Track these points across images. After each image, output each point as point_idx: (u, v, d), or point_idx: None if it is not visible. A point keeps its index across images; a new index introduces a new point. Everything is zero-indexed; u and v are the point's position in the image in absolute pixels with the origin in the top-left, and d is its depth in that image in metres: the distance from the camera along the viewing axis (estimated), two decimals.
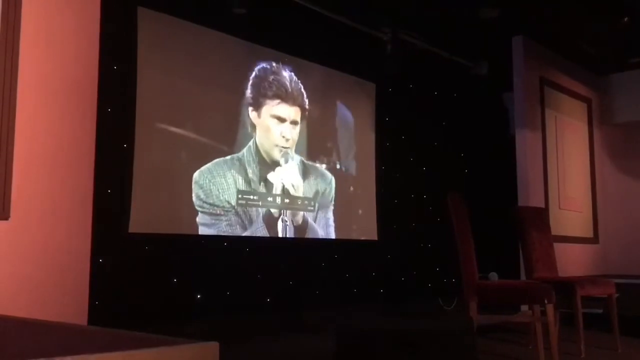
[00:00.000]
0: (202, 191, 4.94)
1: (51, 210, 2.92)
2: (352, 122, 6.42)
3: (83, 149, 3.09)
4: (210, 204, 4.99)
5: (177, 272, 4.70)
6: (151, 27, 4.73)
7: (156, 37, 4.77)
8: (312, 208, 5.84)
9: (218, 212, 5.04)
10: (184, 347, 1.38)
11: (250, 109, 5.41)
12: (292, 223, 5.64)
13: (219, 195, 5.06)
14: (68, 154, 3.03)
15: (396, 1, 5.48)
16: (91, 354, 1.26)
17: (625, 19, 5.51)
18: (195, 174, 4.92)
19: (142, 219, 4.51)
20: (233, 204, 5.15)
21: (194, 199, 4.88)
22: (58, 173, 2.97)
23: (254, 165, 5.38)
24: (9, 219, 2.73)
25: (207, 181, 4.99)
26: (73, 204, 3.02)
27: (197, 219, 4.89)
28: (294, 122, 5.74)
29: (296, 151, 5.76)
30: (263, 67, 5.58)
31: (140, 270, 4.43)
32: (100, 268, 3.95)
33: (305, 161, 5.86)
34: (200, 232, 4.91)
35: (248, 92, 5.42)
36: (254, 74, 5.50)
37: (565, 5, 5.55)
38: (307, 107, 5.92)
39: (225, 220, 5.10)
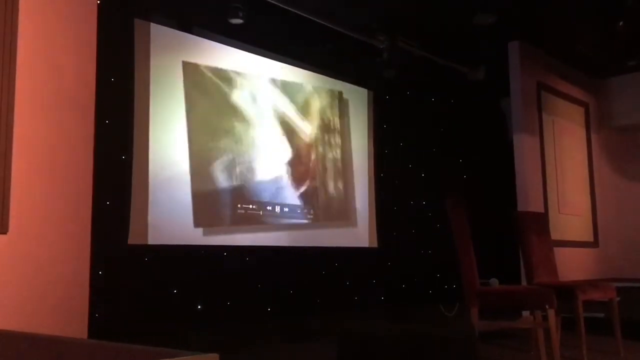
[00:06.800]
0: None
1: (50, 223, 2.92)
2: (350, 129, 6.42)
3: (81, 161, 3.09)
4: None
5: (177, 283, 4.69)
6: (148, 39, 4.74)
7: (153, 48, 4.77)
8: (310, 216, 5.84)
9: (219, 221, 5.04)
10: None
11: (248, 118, 5.42)
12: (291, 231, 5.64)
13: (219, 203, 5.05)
14: (66, 166, 3.02)
15: (393, 8, 5.49)
16: None
17: (620, 23, 5.51)
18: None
19: (141, 230, 4.51)
20: (232, 212, 5.14)
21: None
22: (56, 186, 2.97)
23: (252, 175, 5.38)
24: (8, 232, 2.73)
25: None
26: (72, 217, 3.01)
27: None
28: (291, 130, 5.74)
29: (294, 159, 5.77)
30: (260, 76, 5.59)
31: (140, 282, 4.42)
32: (100, 280, 3.94)
33: (304, 169, 5.86)
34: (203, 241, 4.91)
35: (245, 101, 5.43)
36: (250, 82, 5.50)
37: (561, 9, 5.56)
38: (303, 115, 5.93)
39: (227, 229, 5.10)
